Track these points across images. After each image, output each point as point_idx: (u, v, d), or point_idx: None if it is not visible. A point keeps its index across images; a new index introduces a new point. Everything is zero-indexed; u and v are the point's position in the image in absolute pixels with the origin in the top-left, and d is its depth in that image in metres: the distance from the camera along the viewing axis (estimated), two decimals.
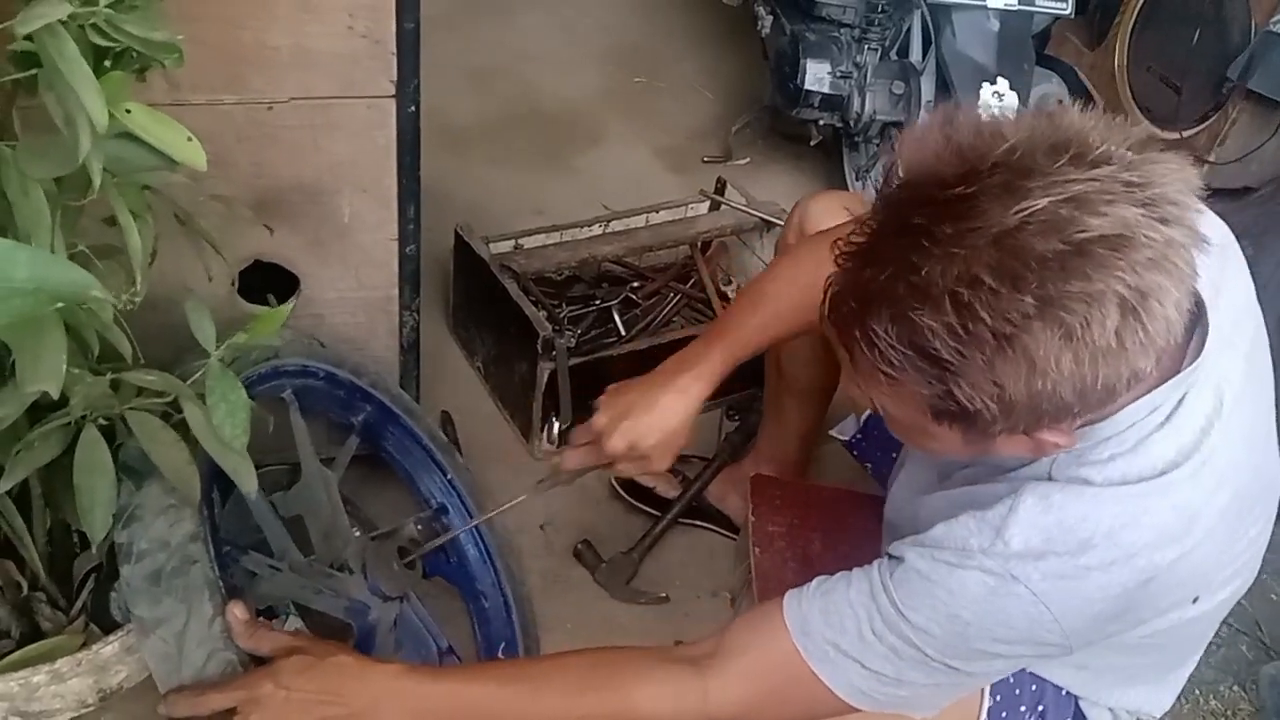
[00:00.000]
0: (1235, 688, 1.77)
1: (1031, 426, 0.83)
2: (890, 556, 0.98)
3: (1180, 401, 0.91)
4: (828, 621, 0.97)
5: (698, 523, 1.88)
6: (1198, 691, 1.75)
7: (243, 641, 1.03)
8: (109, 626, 1.10)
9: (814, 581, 1.02)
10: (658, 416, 1.22)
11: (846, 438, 1.63)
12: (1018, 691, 1.09)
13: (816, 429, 1.73)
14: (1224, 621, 1.83)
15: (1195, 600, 0.98)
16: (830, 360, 1.56)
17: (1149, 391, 0.89)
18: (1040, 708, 1.11)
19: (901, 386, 0.82)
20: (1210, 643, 1.79)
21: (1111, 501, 0.89)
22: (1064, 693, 1.12)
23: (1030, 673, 1.10)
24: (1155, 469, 0.90)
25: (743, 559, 1.74)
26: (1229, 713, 1.73)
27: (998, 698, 1.09)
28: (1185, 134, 2.76)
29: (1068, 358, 0.76)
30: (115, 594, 1.14)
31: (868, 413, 1.59)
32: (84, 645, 1.06)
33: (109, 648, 1.04)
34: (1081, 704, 1.14)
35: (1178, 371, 0.90)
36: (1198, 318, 0.91)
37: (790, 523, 1.50)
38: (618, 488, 1.89)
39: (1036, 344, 0.75)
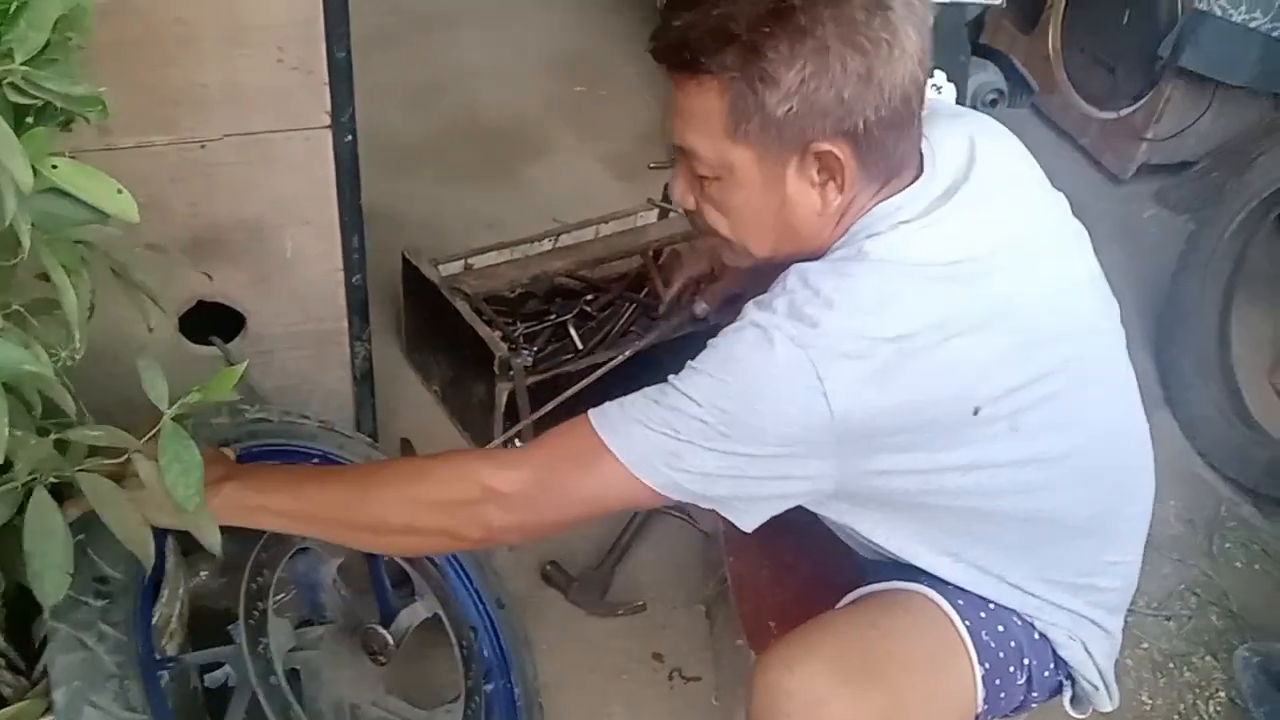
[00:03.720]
0: (1208, 658, 1.79)
1: (816, 132, 0.99)
2: None
3: (930, 213, 1.04)
4: (620, 404, 1.06)
5: (671, 511, 1.89)
6: (1171, 665, 1.77)
7: None
8: None
9: None
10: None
11: None
12: (1001, 655, 1.12)
13: None
14: (1192, 592, 1.88)
15: (976, 412, 1.02)
16: None
17: (892, 196, 1.05)
18: (1025, 661, 1.14)
19: (707, 95, 0.99)
20: (1180, 614, 1.84)
21: (863, 273, 1.01)
22: (1036, 635, 1.15)
23: (1001, 629, 1.13)
24: (908, 257, 1.01)
25: (715, 570, 1.74)
26: (1202, 684, 1.75)
27: (987, 665, 1.11)
28: (1122, 113, 2.79)
29: (853, 60, 0.97)
30: None
31: None
32: (48, 710, 1.03)
33: None
34: (1058, 650, 1.17)
35: (909, 185, 1.05)
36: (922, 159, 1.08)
37: (761, 527, 1.49)
38: None
39: (828, 42, 0.95)
